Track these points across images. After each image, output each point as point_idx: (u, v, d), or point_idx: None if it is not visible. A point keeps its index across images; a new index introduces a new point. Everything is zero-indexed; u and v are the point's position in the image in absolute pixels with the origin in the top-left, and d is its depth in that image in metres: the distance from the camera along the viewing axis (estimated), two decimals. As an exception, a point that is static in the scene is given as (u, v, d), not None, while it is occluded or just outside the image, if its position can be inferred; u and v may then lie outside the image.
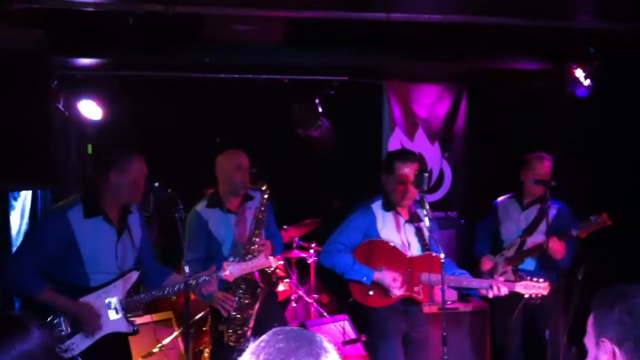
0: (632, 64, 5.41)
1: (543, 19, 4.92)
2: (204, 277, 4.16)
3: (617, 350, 2.17)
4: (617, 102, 5.69)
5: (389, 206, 4.77)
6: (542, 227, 5.29)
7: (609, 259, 5.54)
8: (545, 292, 4.67)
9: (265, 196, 4.86)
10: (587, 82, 5.55)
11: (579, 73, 5.57)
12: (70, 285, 3.91)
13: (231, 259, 4.36)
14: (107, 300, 3.97)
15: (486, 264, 5.54)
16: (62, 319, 3.86)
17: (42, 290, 3.84)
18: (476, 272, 5.41)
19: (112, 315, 3.97)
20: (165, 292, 4.15)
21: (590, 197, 5.69)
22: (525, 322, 5.45)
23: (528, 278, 4.78)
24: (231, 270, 4.22)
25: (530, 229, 5.47)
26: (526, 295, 4.70)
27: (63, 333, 3.84)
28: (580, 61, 5.58)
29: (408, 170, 4.66)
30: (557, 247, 5.17)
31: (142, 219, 4.33)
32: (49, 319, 3.83)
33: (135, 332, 4.13)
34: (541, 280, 4.69)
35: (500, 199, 5.74)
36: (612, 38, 5.16)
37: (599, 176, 5.86)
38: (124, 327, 4.04)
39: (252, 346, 1.60)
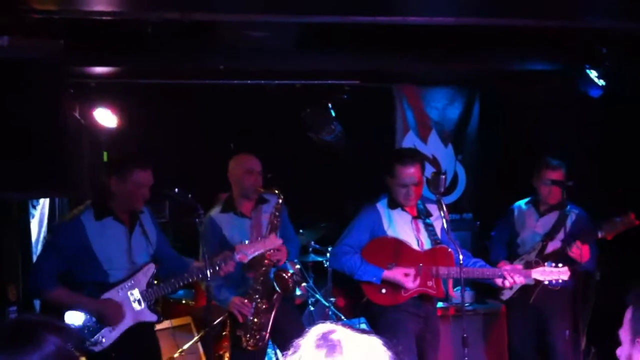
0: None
1: (554, 20, 4.92)
2: (220, 261, 4.34)
3: None
4: (632, 102, 5.68)
5: (394, 204, 4.76)
6: (563, 232, 5.23)
7: (624, 258, 5.54)
8: (565, 277, 4.62)
9: (280, 201, 4.90)
10: (601, 83, 5.52)
11: (592, 74, 5.54)
12: (91, 283, 4.12)
13: (241, 241, 4.50)
14: (128, 293, 4.16)
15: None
16: (87, 314, 4.06)
17: (55, 291, 4.05)
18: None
19: (136, 306, 4.18)
20: (184, 279, 4.32)
21: (608, 197, 5.67)
22: (538, 319, 5.41)
23: (545, 264, 4.75)
24: (244, 252, 4.39)
25: (550, 234, 5.34)
26: (545, 282, 4.67)
27: (90, 328, 4.03)
28: (592, 62, 5.56)
29: (408, 172, 4.65)
30: (582, 252, 5.04)
31: (153, 217, 4.50)
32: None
33: (160, 321, 4.37)
34: (560, 265, 4.65)
35: (518, 203, 5.63)
36: (627, 38, 5.14)
37: (615, 176, 5.84)
38: (148, 317, 4.25)
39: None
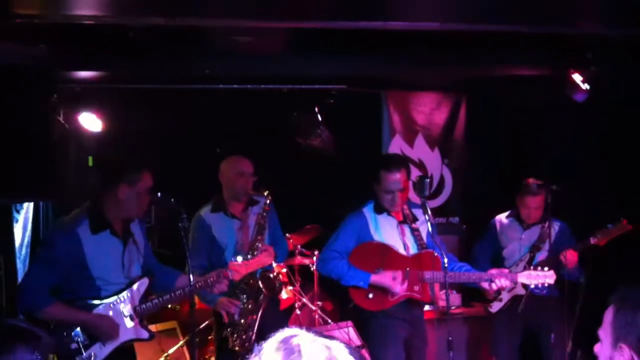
0: (634, 68, 5.42)
1: (541, 25, 4.93)
2: (213, 278, 4.25)
3: (636, 358, 2.13)
4: (620, 106, 5.71)
5: (380, 209, 4.78)
6: (548, 242, 5.29)
7: (610, 263, 5.56)
8: (551, 281, 4.65)
9: (267, 202, 4.93)
10: (585, 87, 5.54)
11: (577, 78, 5.57)
12: (82, 298, 3.96)
13: (233, 259, 4.44)
14: (121, 309, 4.02)
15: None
16: (79, 329, 3.91)
17: (51, 307, 3.85)
18: (481, 293, 5.41)
19: (128, 323, 4.03)
20: (177, 294, 4.20)
21: (597, 202, 5.70)
22: (525, 326, 5.44)
23: (532, 267, 4.78)
24: (237, 271, 4.32)
25: (537, 245, 5.40)
26: (532, 286, 4.69)
27: (82, 343, 3.89)
28: (578, 66, 5.59)
29: (393, 178, 4.66)
30: (572, 258, 5.13)
31: (142, 226, 4.37)
32: (65, 332, 3.88)
33: (151, 338, 4.21)
34: (546, 268, 4.68)
35: (498, 217, 5.67)
36: (614, 43, 5.16)
37: (607, 179, 5.87)
38: (140, 334, 4.11)
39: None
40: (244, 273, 4.39)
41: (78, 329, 3.90)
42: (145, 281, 4.14)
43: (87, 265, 3.94)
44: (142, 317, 4.11)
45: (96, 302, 3.97)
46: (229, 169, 5.04)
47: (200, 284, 4.22)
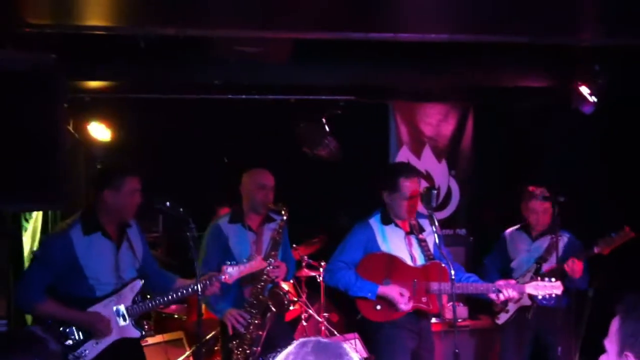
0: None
1: (547, 36, 4.95)
2: (205, 280, 4.35)
3: None
4: (626, 116, 5.71)
5: (387, 220, 4.78)
6: (556, 254, 5.22)
7: (618, 276, 5.54)
8: (558, 292, 4.64)
9: (284, 218, 4.91)
10: (592, 99, 5.54)
11: (584, 90, 5.57)
12: (77, 298, 4.13)
13: (228, 262, 4.49)
14: (114, 308, 4.18)
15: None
16: (73, 327, 4.09)
17: (44, 304, 4.06)
18: (488, 304, 5.39)
19: (121, 322, 4.19)
20: (170, 297, 4.35)
21: (603, 212, 5.68)
22: (534, 338, 5.42)
23: (538, 278, 4.77)
24: (230, 273, 4.40)
25: (544, 257, 5.37)
26: (539, 296, 4.68)
27: (74, 341, 4.06)
28: (585, 78, 5.59)
29: (413, 185, 4.69)
30: (576, 267, 5.09)
31: (141, 232, 4.51)
32: (60, 329, 4.06)
33: (143, 337, 4.37)
34: (553, 279, 4.67)
35: (508, 230, 5.66)
36: (618, 53, 5.17)
37: (613, 187, 5.85)
38: (132, 333, 4.25)
39: (279, 357, 1.61)
40: (236, 277, 4.45)
41: (72, 327, 4.07)
42: (137, 283, 4.28)
43: (80, 265, 4.14)
44: (135, 317, 4.24)
45: (90, 301, 4.14)
46: (250, 182, 5.04)
47: (193, 287, 4.28)
